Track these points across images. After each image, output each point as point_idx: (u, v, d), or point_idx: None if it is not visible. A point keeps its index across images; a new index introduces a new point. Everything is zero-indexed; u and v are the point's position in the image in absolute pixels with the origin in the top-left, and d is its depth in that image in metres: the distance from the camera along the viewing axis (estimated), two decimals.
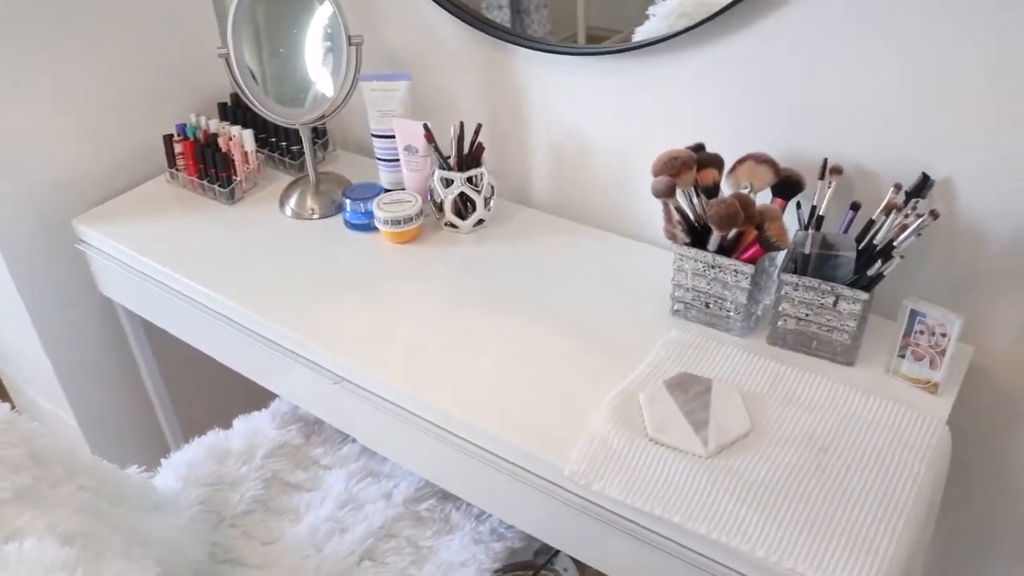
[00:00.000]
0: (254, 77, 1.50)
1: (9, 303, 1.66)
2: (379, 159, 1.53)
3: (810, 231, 1.12)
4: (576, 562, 1.74)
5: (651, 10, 1.25)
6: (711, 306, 1.20)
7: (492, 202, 1.46)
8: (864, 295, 1.08)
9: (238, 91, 1.49)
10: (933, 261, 1.19)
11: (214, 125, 1.63)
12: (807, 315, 1.13)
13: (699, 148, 1.22)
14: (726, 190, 1.19)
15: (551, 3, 1.44)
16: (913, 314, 1.08)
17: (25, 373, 1.91)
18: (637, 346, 1.18)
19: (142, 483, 1.24)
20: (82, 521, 0.91)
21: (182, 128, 1.63)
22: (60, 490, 0.96)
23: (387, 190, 1.50)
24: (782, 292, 1.13)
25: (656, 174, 1.15)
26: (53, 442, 1.04)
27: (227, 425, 1.52)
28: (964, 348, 1.16)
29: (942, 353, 1.07)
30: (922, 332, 1.08)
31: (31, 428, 1.02)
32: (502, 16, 1.44)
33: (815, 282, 1.10)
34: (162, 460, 1.43)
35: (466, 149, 1.42)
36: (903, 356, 1.11)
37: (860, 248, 1.11)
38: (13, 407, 1.04)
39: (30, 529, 0.83)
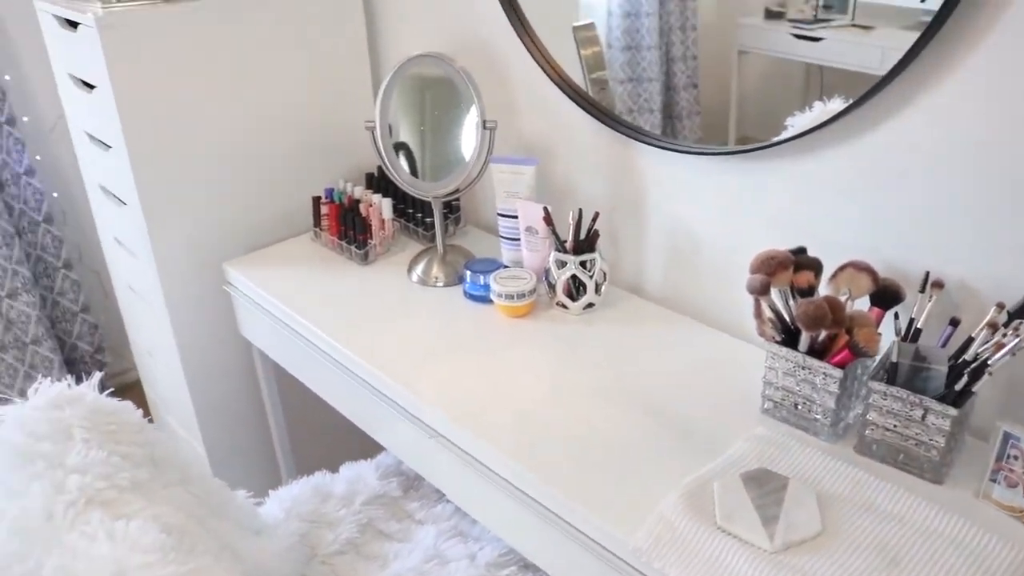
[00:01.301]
0: (398, 151, 1.64)
1: (162, 332, 1.85)
2: (502, 237, 1.63)
3: (897, 340, 1.13)
4: None
5: (789, 121, 1.30)
6: (800, 407, 1.21)
7: (603, 288, 1.53)
8: (953, 411, 1.07)
9: (381, 162, 1.63)
10: None
11: (358, 192, 1.78)
12: (895, 426, 1.13)
13: (800, 251, 1.25)
14: (824, 295, 1.22)
15: (704, 111, 1.50)
16: (1007, 437, 1.06)
17: (165, 397, 2.09)
18: (721, 438, 1.21)
19: (247, 506, 1.35)
20: (184, 520, 1.02)
21: (330, 192, 1.79)
22: (171, 491, 1.08)
23: (506, 266, 1.60)
24: (870, 400, 1.13)
25: (752, 272, 1.19)
26: (174, 452, 1.17)
27: (335, 469, 1.62)
28: None
29: None
30: (1016, 457, 1.06)
31: (157, 436, 1.15)
32: (653, 120, 1.52)
33: (903, 393, 1.10)
34: (270, 491, 1.53)
35: (583, 234, 1.50)
36: (995, 480, 1.08)
37: (953, 364, 1.10)
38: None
39: (138, 514, 0.96)
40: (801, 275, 1.20)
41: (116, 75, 1.61)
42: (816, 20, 1.28)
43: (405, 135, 1.66)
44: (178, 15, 1.64)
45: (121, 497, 0.99)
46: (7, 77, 2.35)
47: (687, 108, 1.50)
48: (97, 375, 1.16)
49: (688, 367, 1.38)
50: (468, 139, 1.59)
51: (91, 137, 1.84)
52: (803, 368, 1.18)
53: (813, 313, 1.11)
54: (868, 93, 1.17)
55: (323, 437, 1.98)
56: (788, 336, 1.21)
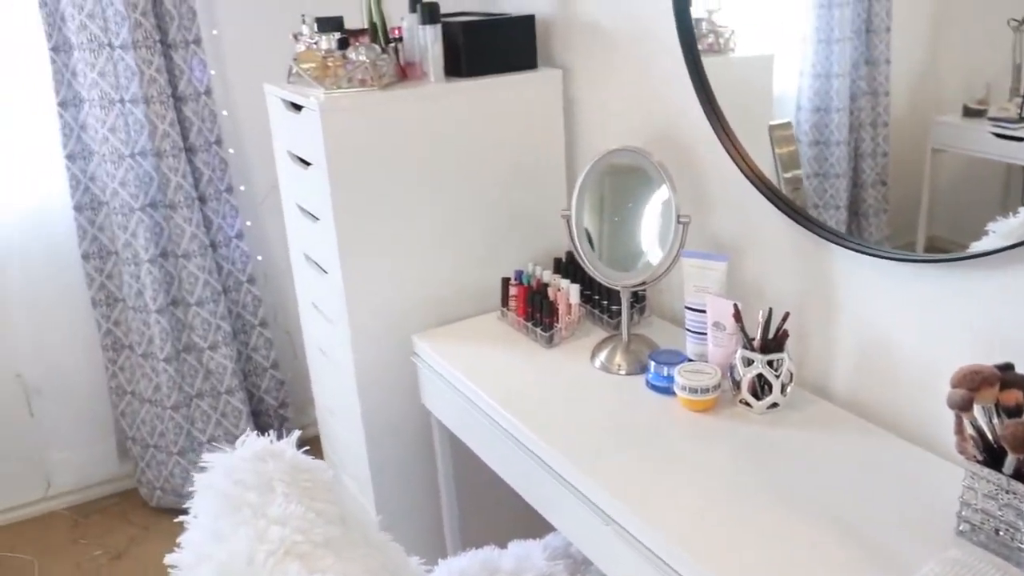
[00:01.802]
0: (590, 240, 1.69)
1: (347, 394, 1.94)
2: (688, 330, 1.64)
3: None
4: None
5: (991, 226, 1.25)
6: (1002, 534, 1.14)
7: (789, 388, 1.50)
8: None
9: (572, 249, 1.67)
10: None
11: (547, 276, 1.83)
12: None
13: (1007, 367, 1.19)
14: None
15: (892, 208, 1.46)
16: None
17: (342, 456, 2.18)
18: (909, 559, 1.14)
19: (420, 573, 1.38)
20: None
21: (519, 274, 1.85)
22: (356, 550, 1.12)
23: (691, 360, 1.60)
24: None
25: (954, 386, 1.15)
26: (359, 511, 1.22)
27: (501, 545, 1.64)
28: None
29: None
30: None
31: (347, 494, 1.20)
32: (838, 217, 1.50)
33: None
34: (440, 560, 1.57)
35: (771, 334, 1.49)
36: None
37: None
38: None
39: (330, 569, 1.00)
40: (1008, 393, 1.14)
41: (332, 154, 1.74)
42: (1021, 119, 1.22)
43: (599, 223, 1.71)
44: (391, 102, 1.78)
45: (315, 552, 1.03)
46: (231, 150, 2.58)
47: (874, 206, 1.47)
48: (296, 433, 1.24)
49: (877, 479, 1.33)
50: (658, 232, 1.62)
51: (301, 209, 1.99)
52: (1007, 492, 1.12)
53: (1021, 435, 1.06)
54: None
55: (492, 512, 2.01)
56: (991, 456, 1.15)
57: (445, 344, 1.81)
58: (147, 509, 2.68)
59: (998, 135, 1.25)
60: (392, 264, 1.86)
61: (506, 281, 1.87)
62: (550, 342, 1.76)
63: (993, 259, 1.26)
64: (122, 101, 2.34)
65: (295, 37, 1.88)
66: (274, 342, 2.76)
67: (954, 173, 1.36)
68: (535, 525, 1.61)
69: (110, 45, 2.29)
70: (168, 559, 1.06)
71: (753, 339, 1.50)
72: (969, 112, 1.28)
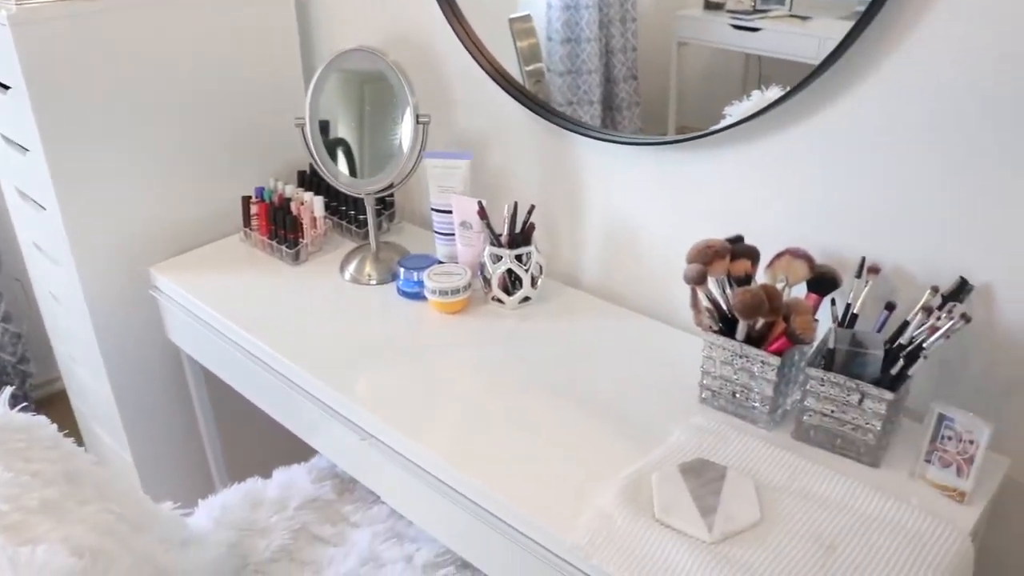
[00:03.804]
0: (336, 148, 1.59)
1: (86, 341, 1.78)
2: (437, 233, 1.60)
3: (834, 326, 1.12)
4: None
5: (727, 110, 1.30)
6: (738, 395, 1.20)
7: (539, 281, 1.50)
8: (889, 394, 1.06)
9: (311, 159, 1.58)
10: (973, 368, 1.17)
11: (289, 190, 1.73)
12: (832, 411, 1.12)
13: (737, 240, 1.24)
14: (761, 283, 1.20)
15: (644, 101, 1.48)
16: (941, 418, 1.06)
17: (93, 409, 2.02)
18: (660, 429, 1.19)
19: (173, 518, 1.29)
20: (99, 540, 0.96)
21: (260, 191, 1.74)
22: (85, 508, 1.02)
23: (441, 262, 1.56)
24: (808, 386, 1.12)
25: (689, 261, 1.18)
26: (91, 466, 1.11)
27: (268, 475, 1.57)
28: (999, 460, 1.13)
29: (970, 461, 1.04)
30: (950, 438, 1.06)
31: (71, 449, 1.09)
32: (592, 112, 1.49)
33: (840, 378, 1.09)
34: (200, 500, 1.48)
35: (518, 228, 1.47)
36: (929, 461, 1.08)
37: (889, 348, 1.10)
38: (81, 442, 1.13)
39: (46, 538, 0.89)
40: (738, 264, 1.19)
41: (31, 74, 1.53)
42: (755, 11, 1.27)
43: (342, 131, 1.62)
44: (103, 13, 1.57)
45: (27, 520, 0.92)
46: None
47: (627, 99, 1.48)
48: (8, 390, 1.11)
49: (625, 359, 1.36)
50: (403, 134, 1.55)
51: (7, 140, 1.76)
52: (740, 357, 1.17)
53: (750, 301, 1.10)
54: (804, 81, 1.17)
55: (256, 443, 1.92)
56: (725, 325, 1.19)
57: (186, 273, 1.68)
58: None
59: (736, 27, 1.29)
60: (119, 193, 1.68)
61: (246, 199, 1.74)
62: (296, 259, 1.67)
63: (720, 137, 1.29)
64: None
65: None
66: (3, 293, 2.49)
67: (698, 64, 1.39)
68: (302, 451, 1.55)
69: None
70: None
71: (500, 235, 1.48)
72: (709, 5, 1.32)
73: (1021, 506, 1.18)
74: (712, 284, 1.19)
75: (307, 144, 1.56)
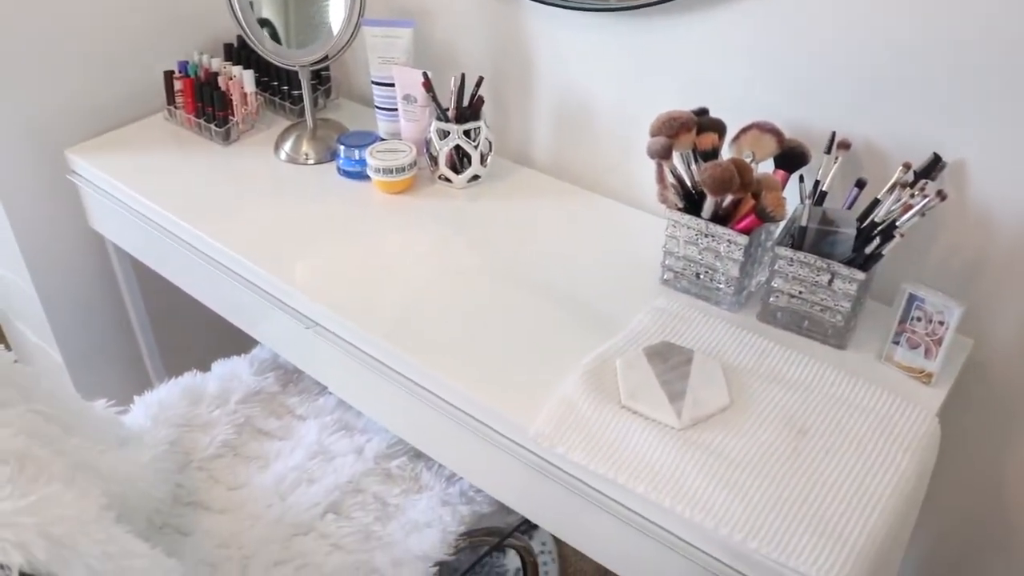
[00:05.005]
0: (261, 21, 1.46)
1: (3, 237, 1.64)
2: (378, 107, 1.50)
3: (807, 204, 1.07)
4: (555, 540, 1.71)
5: None
6: (702, 277, 1.15)
7: (489, 159, 1.42)
8: (860, 274, 1.02)
9: (239, 29, 1.45)
10: (940, 249, 1.13)
11: (216, 64, 1.59)
12: (800, 292, 1.08)
13: (702, 112, 1.17)
14: (728, 157, 1.14)
15: None
16: (911, 299, 1.03)
17: (14, 305, 1.89)
18: (621, 313, 1.14)
19: (107, 417, 1.22)
20: (25, 444, 0.88)
21: (184, 65, 1.60)
22: (7, 411, 0.93)
23: (383, 139, 1.46)
24: (776, 266, 1.08)
25: (653, 134, 1.11)
26: (11, 366, 1.02)
27: (207, 368, 1.49)
28: (963, 340, 1.11)
29: (938, 342, 1.02)
30: (919, 319, 1.03)
31: None
32: None
33: (811, 258, 1.05)
34: (136, 397, 1.40)
35: (466, 102, 1.38)
36: (897, 343, 1.05)
37: (861, 226, 1.05)
38: (4, 340, 1.03)
39: None
40: (704, 137, 1.12)
41: None
42: None
43: (277, 7, 1.48)
44: None
45: None
46: None
47: None
48: None
49: (582, 240, 1.30)
50: (337, 1, 1.42)
51: None
52: (706, 236, 1.11)
53: (720, 176, 1.04)
54: None
55: (193, 336, 1.83)
56: (690, 203, 1.13)
57: (107, 156, 1.54)
58: None
59: None
60: (27, 68, 1.52)
61: (169, 75, 1.60)
62: (227, 138, 1.55)
63: (684, 2, 1.20)
64: None
65: None
66: None
67: None
68: (242, 342, 1.48)
69: None
70: None
71: (447, 109, 1.38)
72: None
73: (982, 387, 1.17)
74: (677, 159, 1.13)
75: (234, 13, 1.43)
